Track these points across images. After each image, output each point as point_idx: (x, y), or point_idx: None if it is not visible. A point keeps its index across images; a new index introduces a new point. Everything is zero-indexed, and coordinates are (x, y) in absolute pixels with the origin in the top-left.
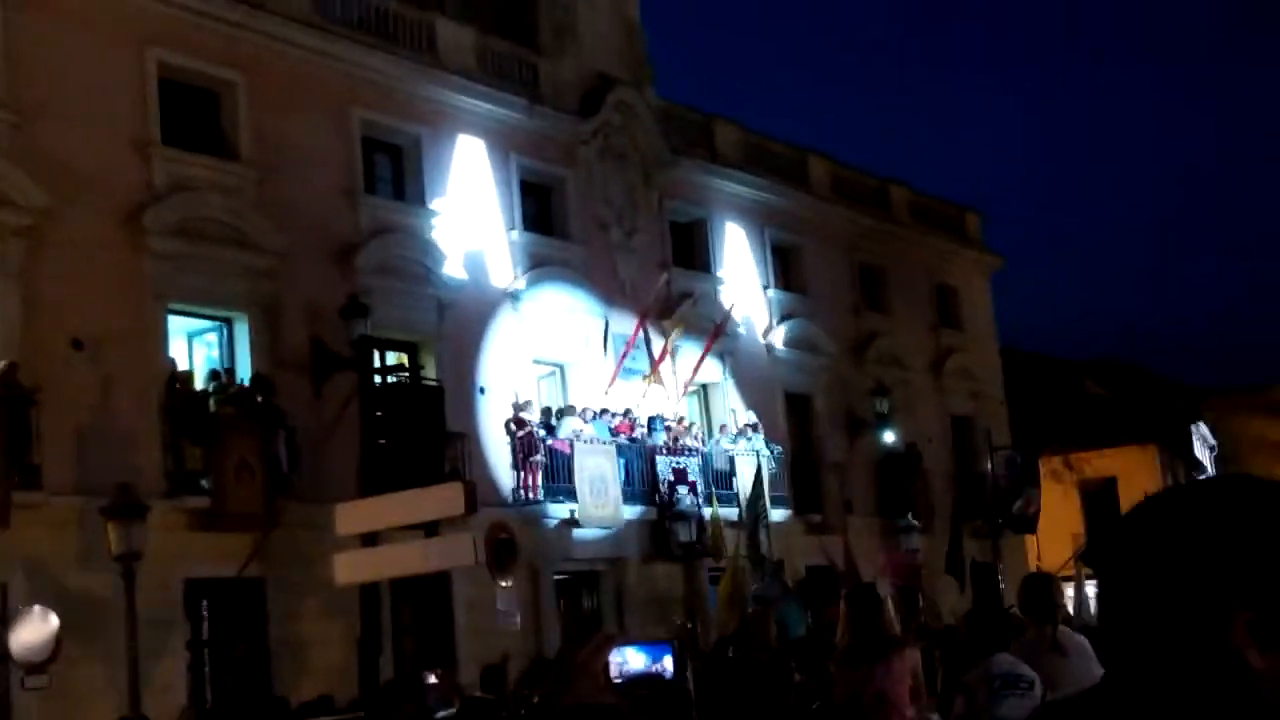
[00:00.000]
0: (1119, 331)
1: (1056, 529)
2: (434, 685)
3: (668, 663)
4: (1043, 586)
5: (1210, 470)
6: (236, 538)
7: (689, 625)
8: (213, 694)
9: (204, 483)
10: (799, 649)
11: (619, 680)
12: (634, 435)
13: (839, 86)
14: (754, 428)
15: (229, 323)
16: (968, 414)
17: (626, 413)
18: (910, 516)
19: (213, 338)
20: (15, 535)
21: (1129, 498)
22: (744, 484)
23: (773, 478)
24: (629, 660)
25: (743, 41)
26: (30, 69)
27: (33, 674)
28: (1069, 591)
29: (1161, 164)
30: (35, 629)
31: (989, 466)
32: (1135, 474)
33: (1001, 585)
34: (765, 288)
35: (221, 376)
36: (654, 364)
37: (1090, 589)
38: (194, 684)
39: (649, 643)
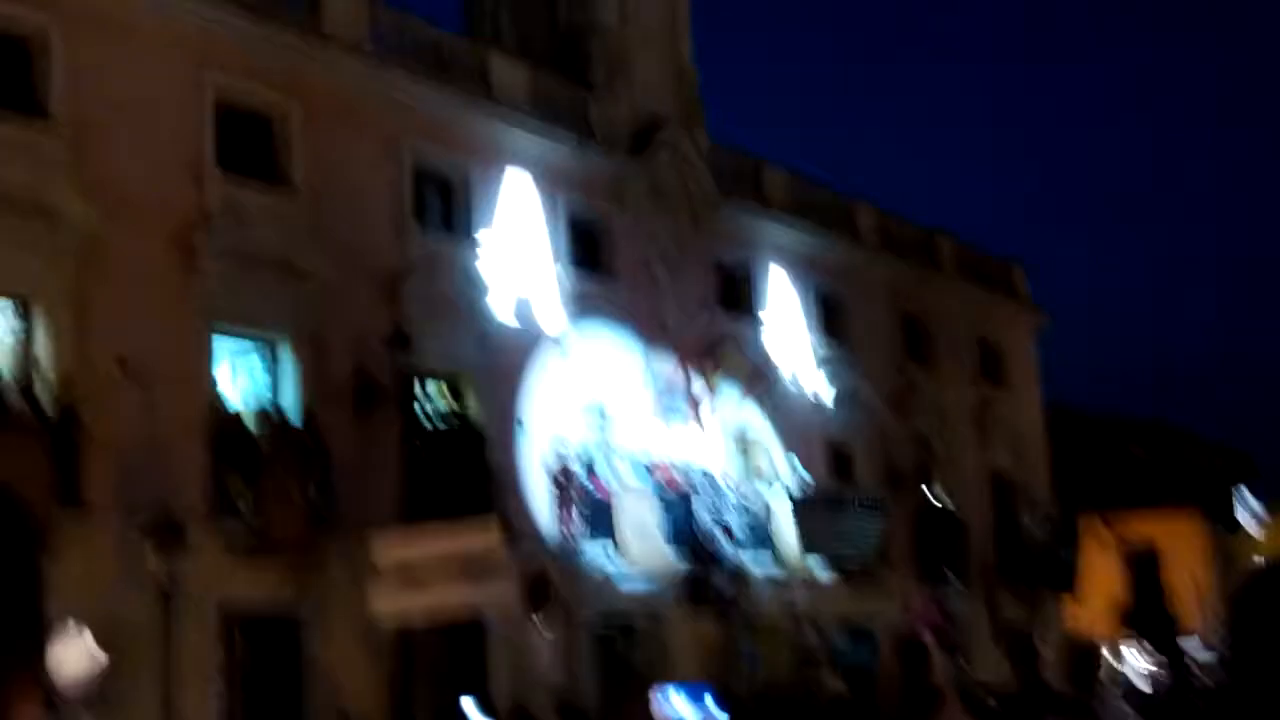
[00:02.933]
0: (1169, 389)
1: (1095, 591)
2: None
3: (713, 708)
4: (1085, 659)
5: (1256, 535)
6: (275, 566)
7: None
8: None
9: (243, 509)
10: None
11: None
12: (674, 480)
13: (891, 133)
14: (801, 482)
15: (274, 347)
16: (1009, 470)
17: (668, 460)
18: (951, 575)
19: (257, 363)
20: (55, 556)
21: (1171, 563)
22: (783, 536)
23: None
24: (675, 706)
25: (797, 84)
26: (88, 89)
27: (87, 709)
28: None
29: (1213, 220)
30: (79, 657)
31: (1029, 524)
32: (1177, 539)
33: (1039, 649)
34: (811, 335)
35: (264, 404)
36: (693, 408)
37: (1128, 653)
38: (226, 714)
39: (689, 683)
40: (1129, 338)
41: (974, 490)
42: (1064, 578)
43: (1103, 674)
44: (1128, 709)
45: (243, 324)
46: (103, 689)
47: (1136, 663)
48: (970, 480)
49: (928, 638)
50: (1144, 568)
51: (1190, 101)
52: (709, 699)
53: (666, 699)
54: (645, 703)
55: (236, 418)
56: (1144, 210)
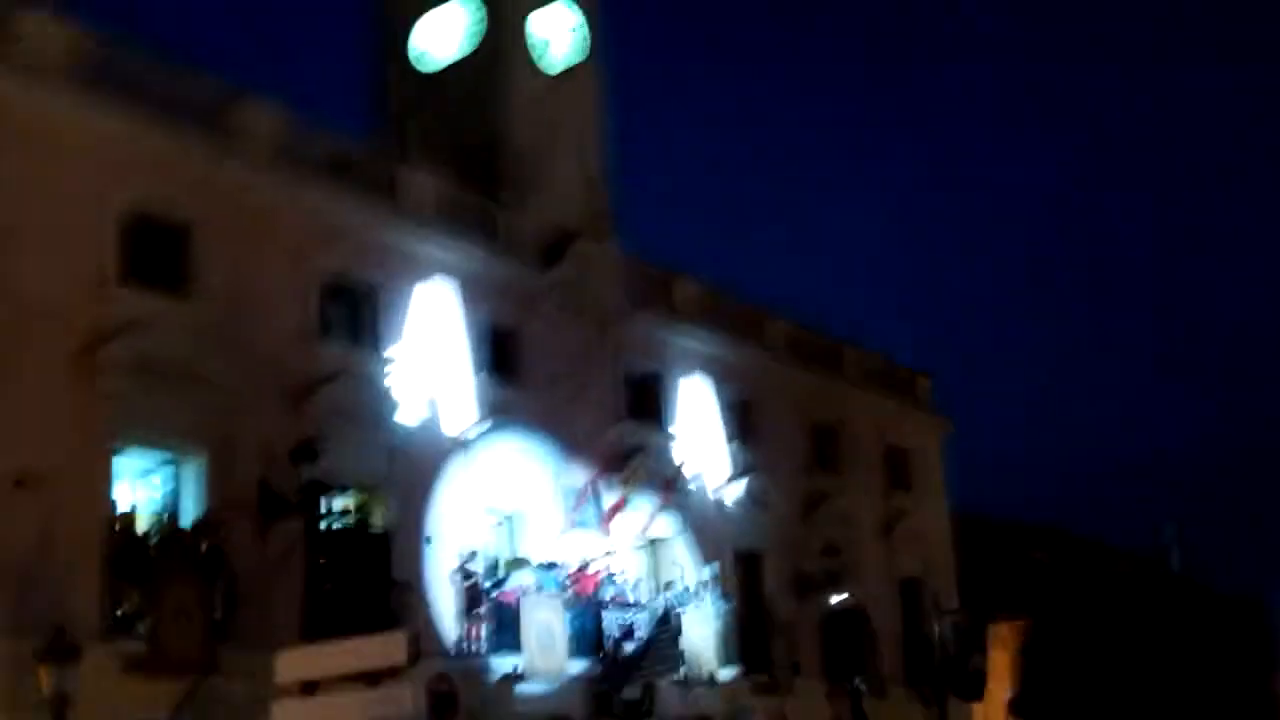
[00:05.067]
0: (1074, 491)
1: (998, 694)
2: None
3: None
4: None
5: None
6: (172, 685)
7: None
8: None
9: (140, 626)
10: None
11: None
12: (582, 589)
13: (803, 242)
14: (706, 584)
15: (178, 459)
16: (917, 575)
17: (583, 566)
18: (858, 681)
19: (158, 479)
20: None
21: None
22: (693, 642)
23: (723, 637)
24: None
25: (716, 192)
26: None
27: None
28: None
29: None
30: None
31: (937, 630)
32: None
33: None
34: (720, 442)
35: (164, 519)
36: (604, 518)
37: None
38: None
39: None
40: (1032, 443)
41: (883, 595)
42: (973, 685)
43: None
44: None
45: (146, 437)
46: None
47: None
48: (879, 585)
49: None
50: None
51: (1071, 207)
52: None
53: None
54: None
55: (136, 533)
56: (1045, 307)
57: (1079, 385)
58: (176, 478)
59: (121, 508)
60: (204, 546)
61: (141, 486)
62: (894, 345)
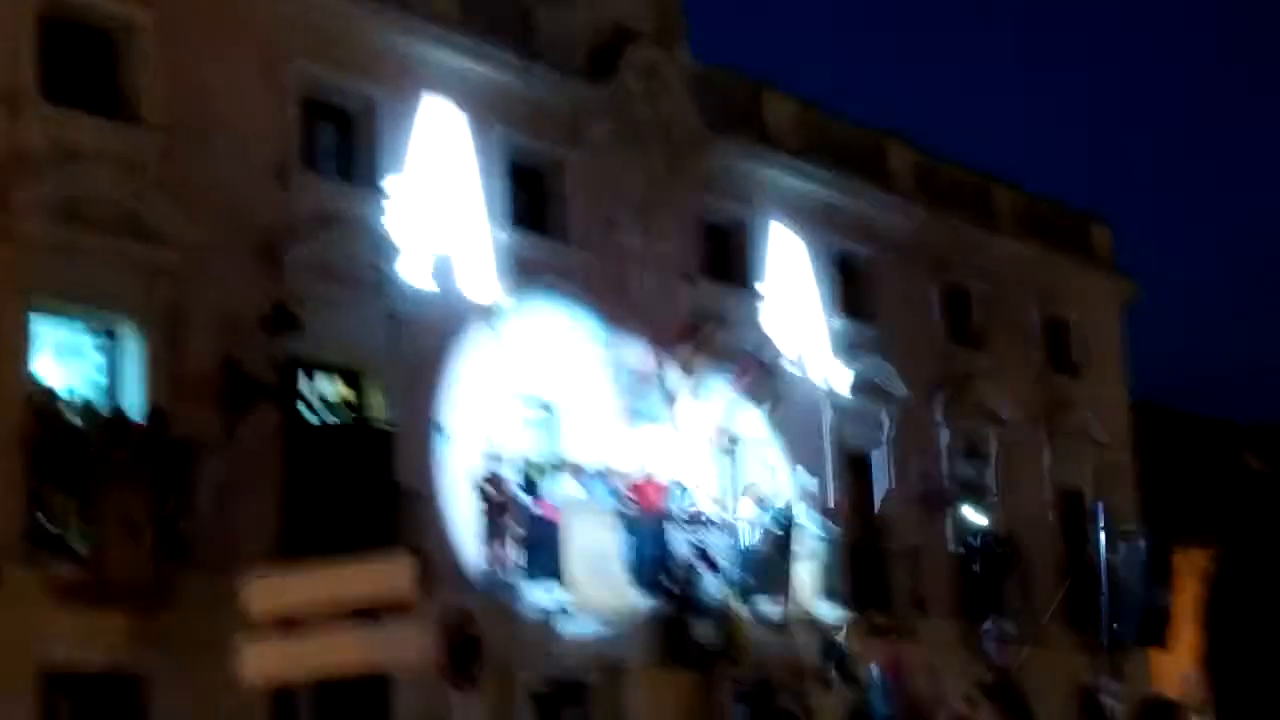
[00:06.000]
0: None
1: (1188, 642)
2: None
3: None
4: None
5: None
6: (116, 617)
7: None
8: None
9: (74, 544)
10: None
11: None
12: (642, 498)
13: (929, 53)
14: (806, 497)
15: (116, 334)
16: (1083, 487)
17: (643, 470)
18: (1001, 620)
19: (93, 353)
20: None
21: None
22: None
23: (826, 565)
24: None
25: None
26: None
27: None
28: None
29: None
30: None
31: (1108, 558)
32: None
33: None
34: (824, 312)
35: (107, 412)
36: (672, 410)
37: None
38: None
39: None
40: (1240, 316)
41: (1037, 512)
42: (1154, 627)
43: None
44: None
45: (74, 300)
46: None
47: None
48: (1033, 499)
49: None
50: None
51: None
52: None
53: None
54: None
55: (65, 423)
56: (1263, 154)
57: None
58: (115, 353)
59: (45, 392)
60: (154, 440)
61: (72, 365)
62: (1059, 184)
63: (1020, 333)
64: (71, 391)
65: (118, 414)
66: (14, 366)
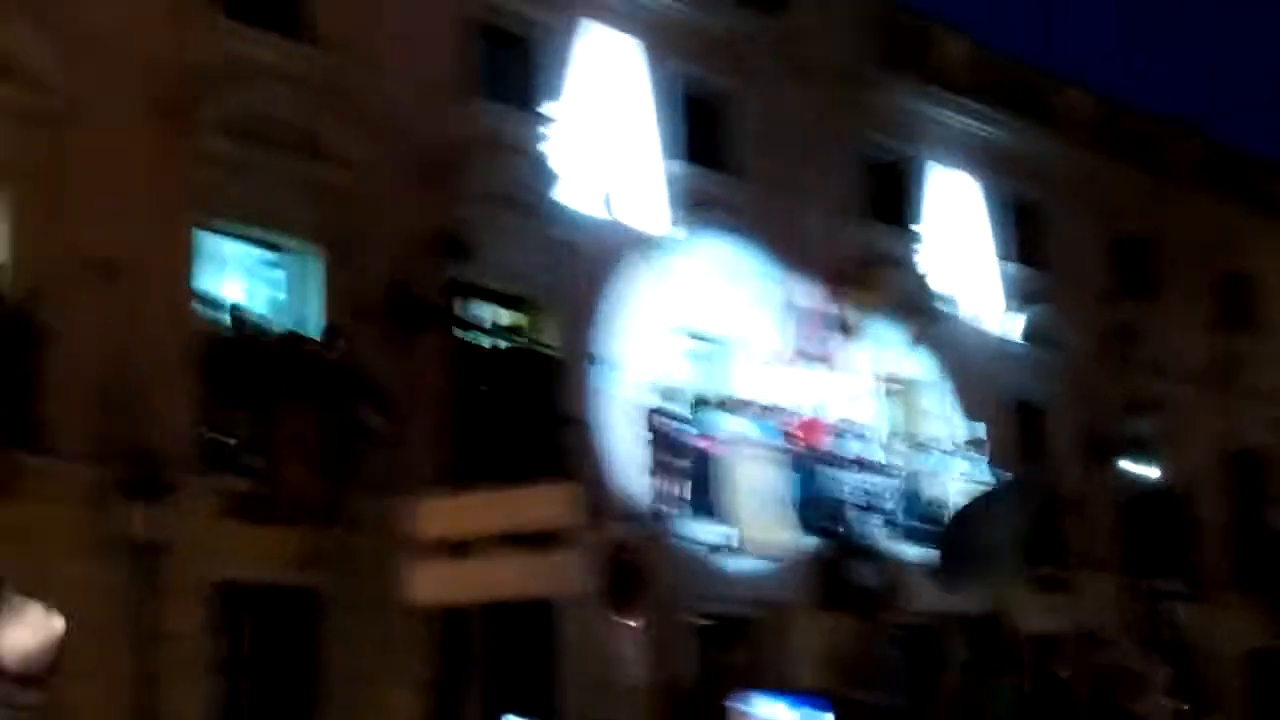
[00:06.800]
0: None
1: None
2: None
3: None
4: None
5: None
6: (287, 533)
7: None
8: None
9: (247, 460)
10: None
11: None
12: (808, 438)
13: None
14: (976, 445)
15: (290, 253)
16: (1259, 445)
17: (811, 410)
18: (1167, 577)
19: (272, 274)
20: (9, 510)
21: None
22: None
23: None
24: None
25: None
26: None
27: (25, 688)
28: None
29: None
30: (32, 631)
31: None
32: None
33: None
34: (995, 256)
35: (282, 332)
36: (837, 347)
37: None
38: (221, 715)
39: (803, 695)
40: None
41: (1210, 469)
42: None
43: None
44: None
45: (249, 218)
46: (56, 664)
47: None
48: (1205, 456)
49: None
50: None
51: None
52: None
53: (754, 708)
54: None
55: (240, 341)
56: None
57: None
58: (290, 273)
59: (221, 310)
60: (328, 361)
61: (247, 283)
62: (1238, 130)
63: (1194, 285)
64: (246, 309)
65: (292, 333)
66: (189, 283)
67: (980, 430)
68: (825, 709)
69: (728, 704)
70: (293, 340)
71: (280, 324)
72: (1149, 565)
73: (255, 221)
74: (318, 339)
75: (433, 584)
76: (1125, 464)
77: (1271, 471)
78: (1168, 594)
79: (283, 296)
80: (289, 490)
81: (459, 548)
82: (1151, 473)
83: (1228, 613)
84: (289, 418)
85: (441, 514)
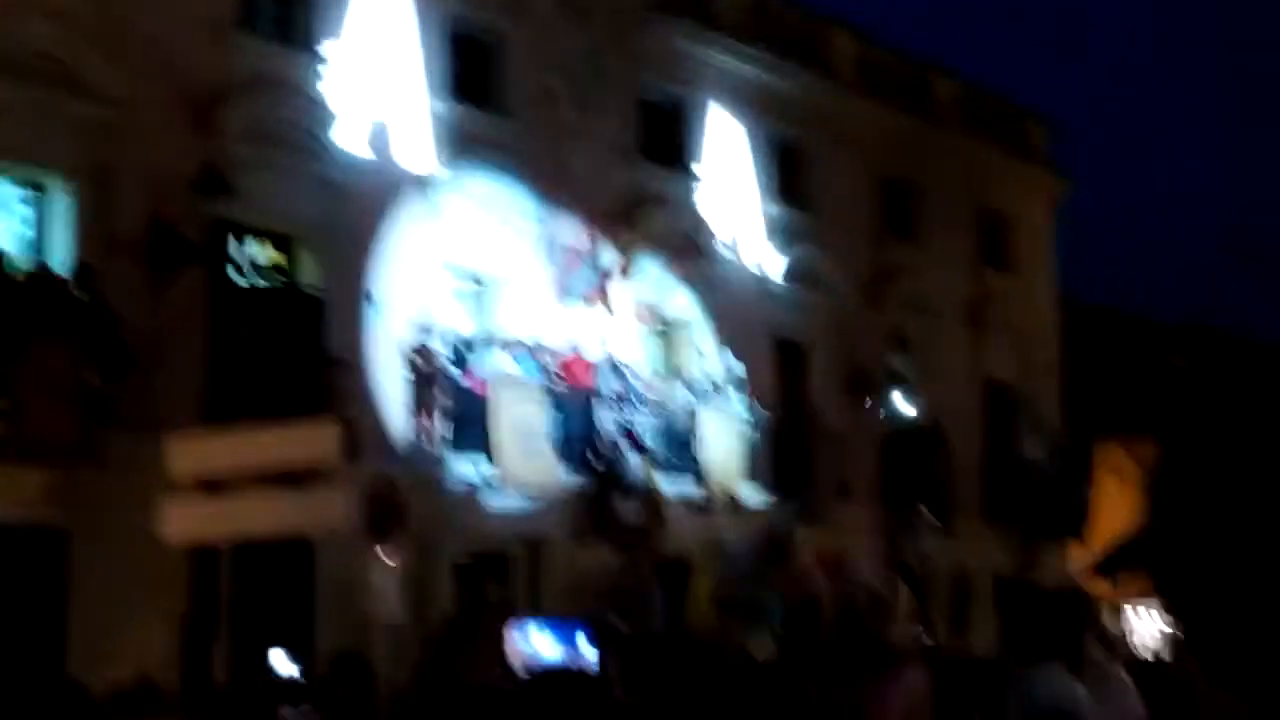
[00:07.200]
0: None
1: (1105, 538)
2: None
3: (584, 647)
4: (1075, 613)
5: None
6: (36, 473)
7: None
8: None
9: None
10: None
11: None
12: (571, 374)
13: None
14: (733, 381)
15: (44, 189)
16: (1009, 380)
17: (574, 349)
18: (925, 510)
19: (20, 209)
20: None
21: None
22: (713, 452)
23: (751, 448)
24: (536, 644)
25: None
26: None
27: None
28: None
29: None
30: None
31: (1030, 451)
32: None
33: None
34: (760, 197)
35: (31, 267)
36: (603, 286)
37: (1136, 612)
38: None
39: (561, 620)
40: (1171, 215)
41: (963, 403)
42: (1072, 520)
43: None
44: (1127, 679)
45: (1, 154)
46: None
47: (1144, 624)
48: (959, 390)
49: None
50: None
51: None
52: (581, 638)
53: (526, 635)
54: (496, 638)
55: None
56: (1196, 51)
57: (1246, 146)
58: (44, 210)
59: None
60: (79, 296)
61: None
62: (998, 77)
63: (953, 225)
64: None
65: (43, 269)
66: None
67: (740, 368)
68: (579, 629)
69: (484, 636)
70: (43, 277)
71: (32, 261)
72: (906, 497)
73: (8, 157)
74: (69, 276)
75: (186, 522)
76: (885, 399)
77: (1018, 404)
78: (918, 524)
79: (34, 234)
80: (37, 429)
81: (215, 486)
82: (910, 408)
83: (974, 542)
84: (39, 357)
85: (196, 451)
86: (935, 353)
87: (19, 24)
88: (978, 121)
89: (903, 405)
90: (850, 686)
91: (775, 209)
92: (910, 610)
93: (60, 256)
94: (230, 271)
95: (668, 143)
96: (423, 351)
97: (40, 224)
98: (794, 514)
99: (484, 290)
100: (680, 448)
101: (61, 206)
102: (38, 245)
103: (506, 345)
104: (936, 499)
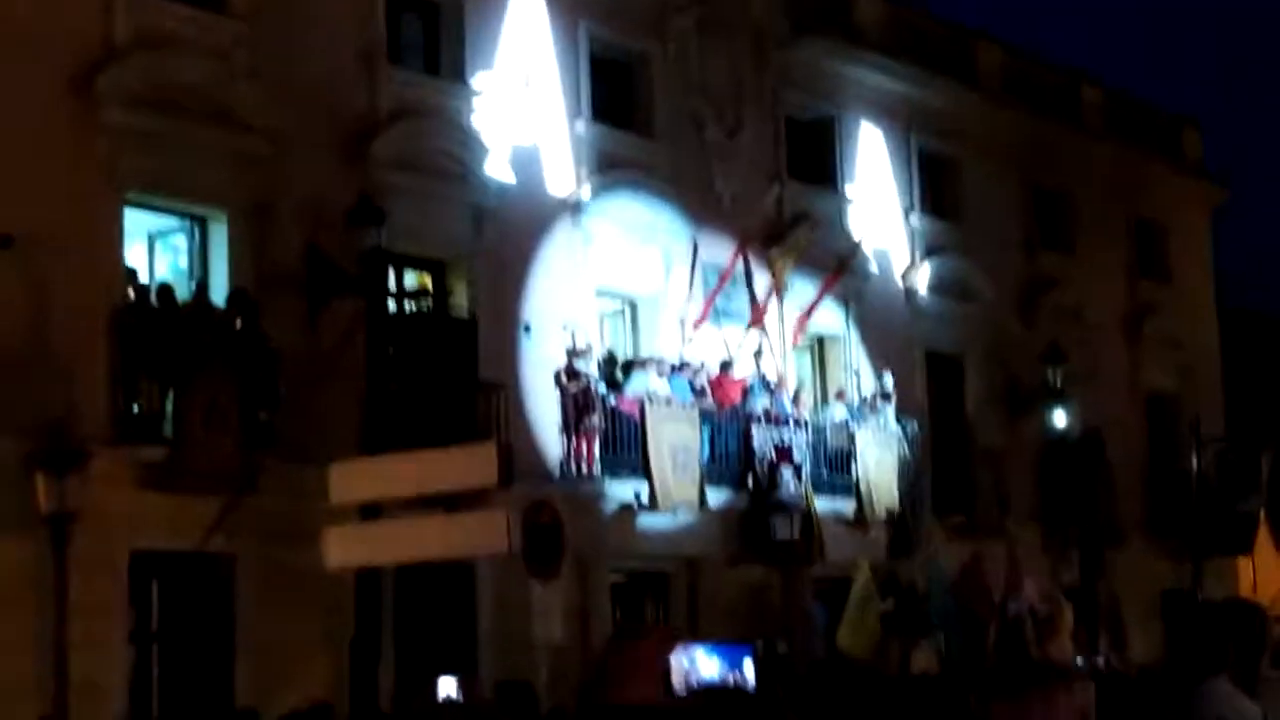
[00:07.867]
0: None
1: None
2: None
3: (748, 670)
4: (1251, 629)
5: None
6: (200, 501)
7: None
8: (160, 699)
9: (160, 428)
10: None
11: (686, 691)
12: (725, 396)
13: None
14: (885, 397)
15: (203, 223)
16: (1170, 392)
17: (725, 366)
18: (1084, 524)
19: (180, 242)
20: None
21: None
22: (867, 469)
23: (906, 464)
24: (699, 665)
25: None
26: None
27: None
28: None
29: None
30: None
31: (1195, 463)
32: None
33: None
34: (908, 212)
35: (188, 293)
36: (756, 307)
37: None
38: (137, 684)
39: (724, 643)
40: None
41: (1123, 416)
42: (1240, 535)
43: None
44: None
45: (164, 189)
46: None
47: None
48: (1118, 403)
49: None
50: None
51: None
52: (748, 663)
53: (692, 658)
54: (656, 658)
55: (155, 310)
56: None
57: None
58: (202, 242)
59: (135, 282)
60: (241, 328)
61: (163, 254)
62: (1149, 85)
63: (1107, 235)
64: (162, 280)
65: (205, 301)
66: (106, 255)
67: (889, 382)
68: (745, 655)
69: (644, 656)
70: (203, 308)
71: (191, 293)
72: (1066, 512)
73: (170, 192)
74: (227, 307)
75: (347, 547)
76: (1042, 413)
77: (1180, 416)
78: (1082, 539)
79: (194, 266)
80: (203, 459)
81: (375, 511)
82: (1066, 420)
83: (1139, 558)
84: (202, 386)
85: (356, 478)
86: (1093, 365)
87: (177, 61)
88: (1129, 130)
89: (1061, 419)
90: (1012, 702)
91: (925, 222)
92: (1073, 626)
93: (219, 288)
94: (385, 299)
95: (815, 160)
96: (574, 374)
97: (200, 256)
98: (954, 531)
99: (635, 312)
100: (835, 465)
101: (220, 238)
102: (198, 277)
103: (658, 366)
104: (1097, 513)
